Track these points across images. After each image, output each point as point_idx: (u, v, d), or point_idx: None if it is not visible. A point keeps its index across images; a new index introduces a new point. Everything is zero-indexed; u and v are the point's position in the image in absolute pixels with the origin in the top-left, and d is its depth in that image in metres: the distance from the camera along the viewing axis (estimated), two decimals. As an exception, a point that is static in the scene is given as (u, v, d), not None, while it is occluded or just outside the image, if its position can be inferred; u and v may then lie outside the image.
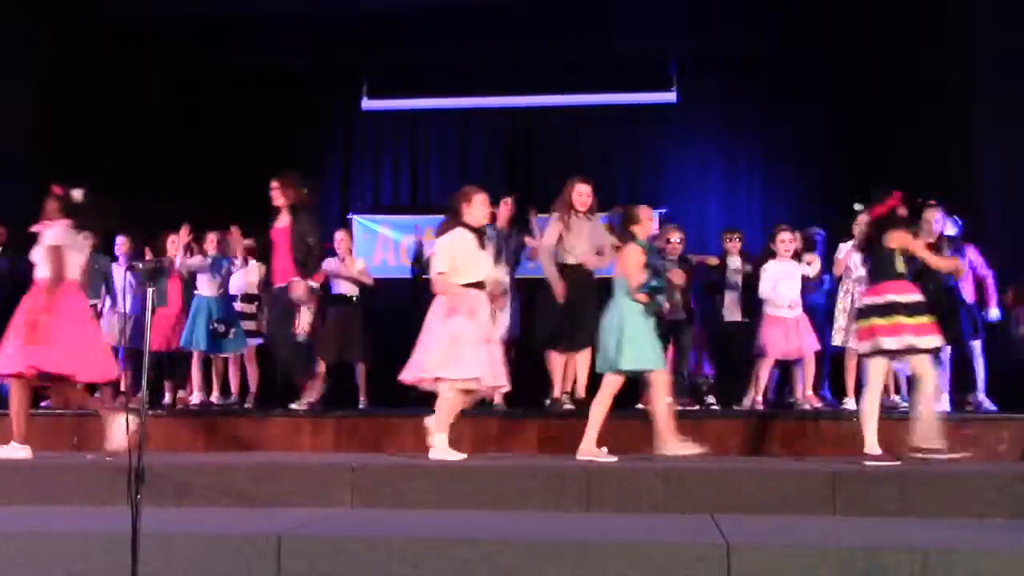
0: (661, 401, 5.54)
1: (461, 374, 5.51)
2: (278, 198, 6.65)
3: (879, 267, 5.59)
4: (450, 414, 5.57)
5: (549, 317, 6.74)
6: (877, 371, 5.54)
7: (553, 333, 6.75)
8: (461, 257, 5.63)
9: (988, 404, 7.04)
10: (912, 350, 5.40)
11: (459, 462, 5.34)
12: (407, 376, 5.64)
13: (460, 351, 5.47)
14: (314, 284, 6.72)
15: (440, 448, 5.48)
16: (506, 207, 7.31)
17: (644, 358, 5.52)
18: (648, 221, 5.83)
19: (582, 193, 6.78)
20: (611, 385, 5.64)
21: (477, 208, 5.75)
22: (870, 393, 5.52)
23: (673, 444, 5.48)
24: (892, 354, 5.50)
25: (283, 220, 6.68)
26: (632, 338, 5.50)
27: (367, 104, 10.84)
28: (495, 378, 5.61)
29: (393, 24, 9.53)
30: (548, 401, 6.91)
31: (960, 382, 7.17)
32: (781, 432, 6.24)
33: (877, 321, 5.45)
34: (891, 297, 5.44)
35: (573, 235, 6.75)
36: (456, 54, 10.10)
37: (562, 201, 6.80)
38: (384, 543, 3.98)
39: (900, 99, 9.50)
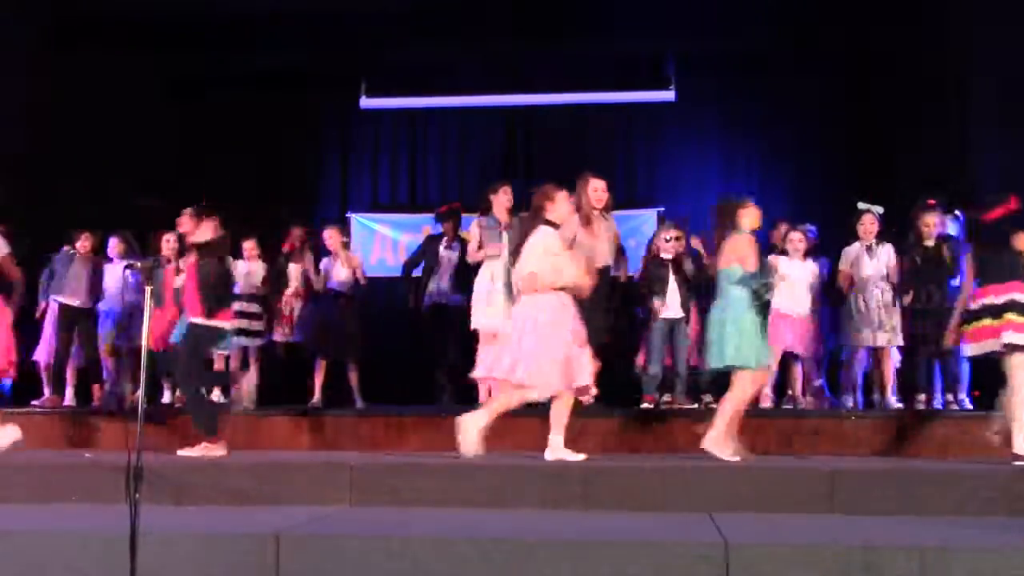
0: (734, 400, 5.47)
1: (553, 389, 5.43)
2: (187, 227, 6.20)
3: (1007, 268, 5.53)
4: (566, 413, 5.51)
5: None
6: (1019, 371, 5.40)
7: None
8: (551, 257, 5.50)
9: (967, 404, 7.06)
10: (1011, 347, 5.36)
11: (458, 461, 5.34)
12: (497, 373, 5.52)
13: (561, 365, 5.38)
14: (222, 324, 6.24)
15: (557, 448, 5.44)
16: (505, 195, 7.07)
17: (747, 355, 5.43)
18: (754, 209, 5.69)
19: (597, 188, 6.51)
20: (757, 380, 5.59)
21: (561, 205, 5.63)
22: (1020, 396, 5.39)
23: (719, 443, 5.40)
24: (999, 353, 5.47)
25: (192, 256, 6.19)
26: (737, 333, 5.41)
27: (365, 102, 10.82)
28: (586, 378, 5.53)
29: (392, 22, 9.52)
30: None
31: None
32: (780, 431, 6.24)
33: (987, 322, 5.45)
34: (1013, 296, 5.43)
35: (593, 235, 6.47)
36: (455, 52, 10.09)
37: (576, 200, 6.44)
38: (383, 541, 3.98)
39: (899, 99, 9.50)
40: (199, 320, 6.08)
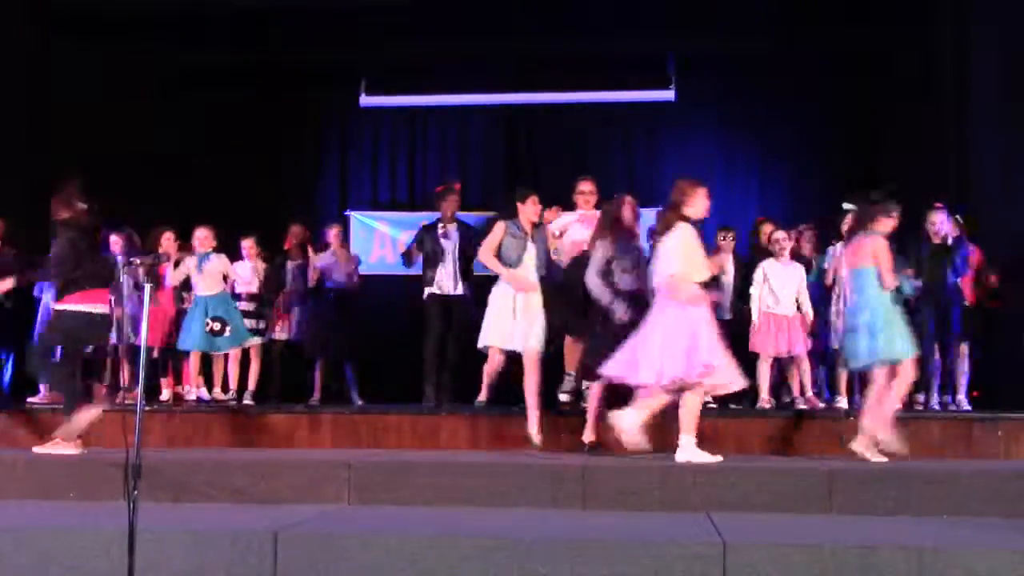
0: (897, 390, 5.55)
1: (731, 380, 5.51)
2: (55, 213, 5.96)
3: None
4: (697, 413, 5.46)
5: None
6: None
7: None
8: (691, 255, 5.47)
9: (966, 405, 7.07)
10: None
11: (455, 460, 5.33)
12: (646, 379, 5.37)
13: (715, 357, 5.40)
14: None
15: (689, 449, 5.34)
16: (533, 206, 6.41)
17: (899, 348, 5.51)
18: (894, 217, 5.81)
19: (634, 205, 6.20)
20: (884, 377, 5.62)
21: (700, 202, 5.58)
22: None
23: (867, 442, 5.48)
24: None
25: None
26: (887, 326, 5.50)
27: (365, 100, 10.81)
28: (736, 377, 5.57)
29: (392, 20, 9.52)
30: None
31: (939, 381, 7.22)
32: (778, 431, 6.24)
33: None
34: None
35: (628, 259, 6.00)
36: (455, 50, 10.08)
37: (608, 220, 6.09)
38: (381, 540, 3.98)
39: (899, 99, 9.51)
40: (57, 306, 5.81)
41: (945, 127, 9.13)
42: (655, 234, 5.72)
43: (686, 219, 5.53)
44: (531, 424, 5.99)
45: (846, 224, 7.15)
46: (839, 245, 7.18)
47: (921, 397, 7.18)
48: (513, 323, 6.01)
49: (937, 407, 7.02)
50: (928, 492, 4.78)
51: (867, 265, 5.63)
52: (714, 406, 7.45)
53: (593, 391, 5.93)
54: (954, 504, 4.71)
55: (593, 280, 5.88)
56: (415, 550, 3.91)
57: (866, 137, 9.92)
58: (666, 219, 5.60)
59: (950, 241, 7.12)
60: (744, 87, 10.38)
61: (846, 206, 7.12)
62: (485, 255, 6.22)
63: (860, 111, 10.01)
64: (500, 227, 6.23)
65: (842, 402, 7.15)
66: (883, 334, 5.50)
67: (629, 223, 6.07)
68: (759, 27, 9.44)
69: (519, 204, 6.29)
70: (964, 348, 7.21)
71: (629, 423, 5.36)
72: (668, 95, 10.40)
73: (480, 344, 6.20)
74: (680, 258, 5.42)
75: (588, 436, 5.87)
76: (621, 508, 4.78)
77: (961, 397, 7.12)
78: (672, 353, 5.32)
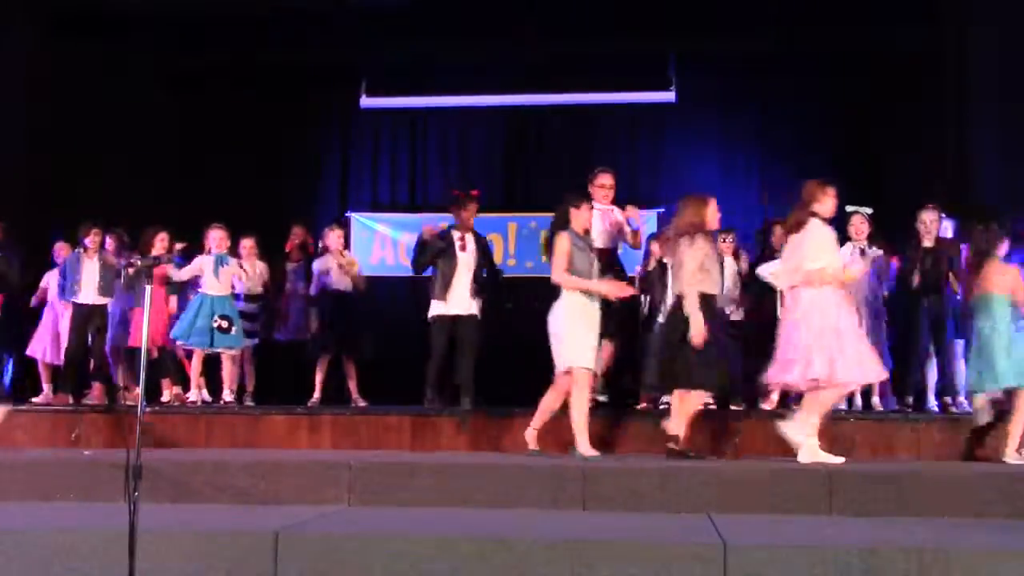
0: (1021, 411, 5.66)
1: (865, 378, 5.64)
2: None
3: None
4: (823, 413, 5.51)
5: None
6: None
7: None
8: (829, 251, 5.57)
9: (967, 406, 7.06)
10: None
11: (456, 461, 5.32)
12: (790, 379, 5.46)
13: (861, 353, 5.45)
14: None
15: (811, 450, 5.37)
16: (588, 211, 5.99)
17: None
18: (1005, 239, 5.94)
19: (718, 211, 5.94)
20: None
21: (829, 201, 5.68)
22: None
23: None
24: None
25: None
26: (1017, 354, 5.62)
27: (366, 102, 10.82)
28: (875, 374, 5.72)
29: (392, 21, 9.53)
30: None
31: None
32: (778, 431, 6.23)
33: None
34: None
35: (711, 261, 5.75)
36: (455, 52, 10.09)
37: (692, 223, 5.74)
38: (381, 541, 3.98)
39: (899, 99, 9.51)
40: None
41: (945, 127, 9.13)
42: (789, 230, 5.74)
43: (818, 216, 5.60)
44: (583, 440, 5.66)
45: (852, 227, 7.18)
46: (848, 245, 7.18)
47: (910, 399, 7.18)
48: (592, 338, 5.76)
49: (937, 408, 7.01)
50: (928, 492, 4.78)
51: (994, 291, 5.72)
52: (715, 407, 7.47)
53: (695, 397, 5.68)
54: (954, 504, 4.71)
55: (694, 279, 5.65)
56: (416, 551, 3.91)
57: (866, 137, 9.92)
58: (798, 217, 5.67)
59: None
60: (744, 87, 10.38)
61: (849, 208, 7.12)
62: (561, 276, 5.71)
63: (860, 111, 10.01)
64: (564, 240, 5.75)
65: (841, 404, 7.15)
66: (1012, 360, 5.62)
67: (713, 224, 5.88)
68: (759, 27, 9.44)
69: (572, 210, 5.81)
70: (959, 348, 7.21)
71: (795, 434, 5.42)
72: (669, 96, 10.40)
73: (582, 365, 5.68)
74: (823, 253, 5.51)
75: (678, 430, 5.61)
76: (621, 509, 4.78)
77: (962, 399, 7.11)
78: (820, 353, 5.34)
